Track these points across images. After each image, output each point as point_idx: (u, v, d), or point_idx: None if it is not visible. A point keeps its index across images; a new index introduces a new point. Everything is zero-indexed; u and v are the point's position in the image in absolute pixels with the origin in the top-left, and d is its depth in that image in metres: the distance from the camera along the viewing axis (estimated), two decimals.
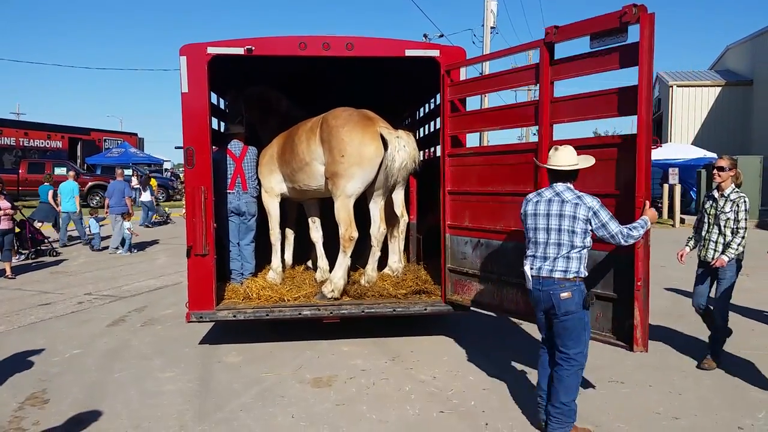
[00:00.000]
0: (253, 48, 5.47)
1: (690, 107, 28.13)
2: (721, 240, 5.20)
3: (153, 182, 23.48)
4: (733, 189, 5.22)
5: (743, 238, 5.10)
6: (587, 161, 4.12)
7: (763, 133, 25.22)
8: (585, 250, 3.97)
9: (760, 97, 26.17)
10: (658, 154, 20.39)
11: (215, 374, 5.31)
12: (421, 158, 7.64)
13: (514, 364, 5.52)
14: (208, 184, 5.55)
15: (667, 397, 4.71)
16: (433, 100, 7.59)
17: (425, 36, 25.48)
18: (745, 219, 5.12)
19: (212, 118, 6.03)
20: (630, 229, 3.92)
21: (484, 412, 4.48)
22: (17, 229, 11.66)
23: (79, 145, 31.39)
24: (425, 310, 5.87)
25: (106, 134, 34.65)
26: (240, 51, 5.47)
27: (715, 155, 19.80)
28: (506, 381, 5.08)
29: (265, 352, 5.89)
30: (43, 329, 6.85)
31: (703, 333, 5.74)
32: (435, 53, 5.81)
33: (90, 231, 13.63)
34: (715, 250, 5.24)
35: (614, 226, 3.89)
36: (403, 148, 5.74)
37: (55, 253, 12.58)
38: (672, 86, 28.09)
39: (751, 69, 27.19)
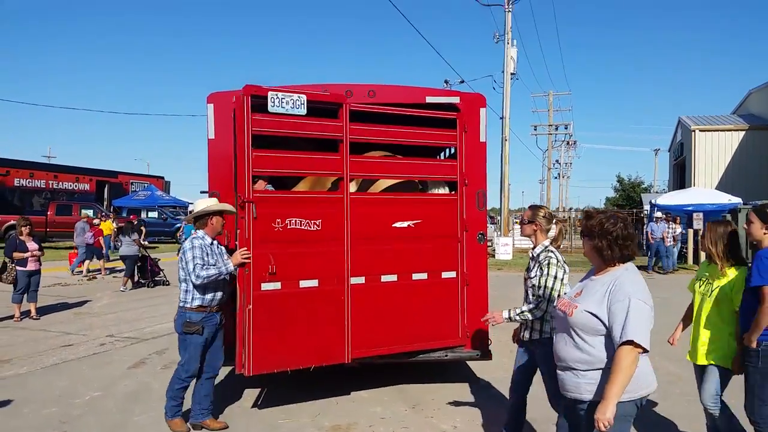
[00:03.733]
0: None
1: (713, 151, 28.00)
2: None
3: None
4: (545, 248, 4.04)
5: (538, 308, 3.93)
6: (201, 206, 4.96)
7: None
8: (188, 285, 4.67)
9: None
10: (682, 199, 20.15)
11: (234, 419, 5.27)
12: None
13: (534, 412, 5.39)
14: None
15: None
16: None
17: (446, 82, 25.85)
18: (548, 287, 3.86)
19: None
20: (202, 269, 4.58)
21: None
22: (138, 263, 14.16)
23: (106, 188, 32.15)
24: (446, 356, 5.80)
25: (133, 177, 35.48)
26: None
27: (740, 200, 19.53)
28: (527, 429, 4.96)
29: (282, 396, 5.85)
30: (66, 370, 6.91)
31: None
32: (455, 100, 5.92)
33: None
34: (523, 325, 4.16)
35: (191, 266, 4.58)
36: None
37: (166, 282, 14.55)
38: (694, 130, 28.06)
39: None
